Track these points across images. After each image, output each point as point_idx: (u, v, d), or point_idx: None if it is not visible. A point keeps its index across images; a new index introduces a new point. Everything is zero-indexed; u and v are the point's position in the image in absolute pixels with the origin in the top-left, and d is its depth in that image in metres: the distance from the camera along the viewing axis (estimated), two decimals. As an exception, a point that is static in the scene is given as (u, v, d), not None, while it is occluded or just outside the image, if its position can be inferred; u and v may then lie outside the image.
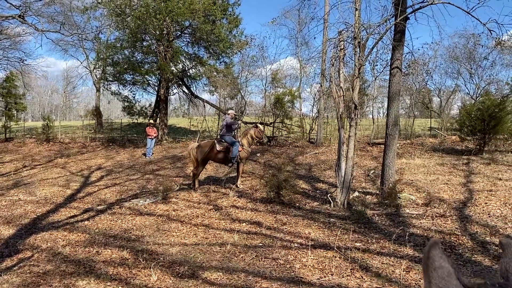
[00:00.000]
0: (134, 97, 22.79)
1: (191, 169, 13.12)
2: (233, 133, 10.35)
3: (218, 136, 10.80)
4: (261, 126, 11.14)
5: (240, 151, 9.93)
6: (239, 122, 10.57)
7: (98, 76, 28.64)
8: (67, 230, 6.87)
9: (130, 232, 6.67)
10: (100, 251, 5.72)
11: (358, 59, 7.89)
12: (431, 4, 7.69)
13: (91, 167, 14.26)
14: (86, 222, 7.41)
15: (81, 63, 32.84)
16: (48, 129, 21.01)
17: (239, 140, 10.15)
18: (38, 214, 8.03)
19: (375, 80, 17.54)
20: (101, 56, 20.62)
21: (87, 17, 23.34)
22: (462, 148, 13.80)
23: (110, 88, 22.89)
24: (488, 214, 6.67)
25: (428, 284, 0.65)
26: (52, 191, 10.25)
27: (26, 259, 5.47)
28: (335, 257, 5.06)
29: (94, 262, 5.22)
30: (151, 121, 19.22)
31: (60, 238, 6.45)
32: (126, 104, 22.43)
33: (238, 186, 10.04)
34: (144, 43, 20.33)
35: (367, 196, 8.66)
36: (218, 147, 9.85)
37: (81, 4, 22.30)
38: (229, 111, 10.92)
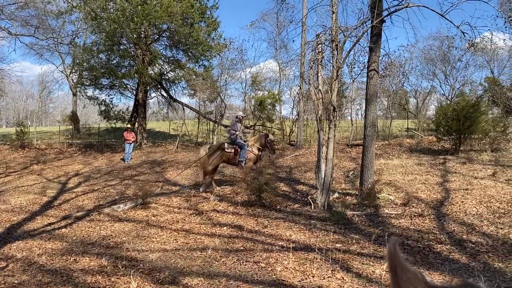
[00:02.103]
0: (111, 101, 22.46)
1: (170, 173, 13.04)
2: (241, 136, 10.38)
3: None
4: (271, 137, 10.95)
5: (249, 153, 10.11)
6: (236, 131, 10.33)
7: (74, 81, 28.14)
8: (43, 239, 6.70)
9: (109, 239, 6.55)
10: (78, 259, 5.60)
11: (336, 62, 7.97)
12: (406, 7, 7.83)
13: (68, 173, 13.98)
14: (63, 230, 7.25)
15: (57, 67, 32.23)
16: (23, 135, 20.52)
17: (248, 144, 10.30)
18: (13, 223, 7.81)
19: (353, 82, 17.72)
20: (77, 61, 20.26)
21: (62, 21, 22.96)
22: (438, 148, 14.07)
23: (86, 93, 22.42)
24: (465, 212, 6.81)
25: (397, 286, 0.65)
26: (28, 199, 9.99)
27: (0, 270, 5.31)
28: (316, 258, 5.08)
29: (72, 271, 5.10)
30: (129, 125, 18.98)
31: (36, 247, 6.29)
32: (103, 108, 22.07)
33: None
34: (121, 47, 20.05)
35: (347, 197, 8.74)
36: (227, 149, 10.11)
37: (56, 7, 21.87)
38: (238, 113, 11.07)
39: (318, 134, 8.58)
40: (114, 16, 17.32)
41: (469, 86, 26.66)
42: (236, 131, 10.26)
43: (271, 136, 10.75)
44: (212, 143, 20.16)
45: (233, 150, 10.11)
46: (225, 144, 10.29)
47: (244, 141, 10.30)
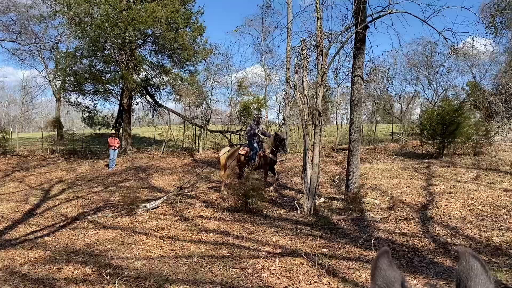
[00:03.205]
0: (95, 107, 22.19)
1: (155, 180, 12.94)
2: (255, 138, 10.28)
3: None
4: (281, 134, 10.71)
5: (261, 156, 10.04)
6: (255, 129, 10.21)
7: (58, 86, 27.78)
8: (25, 248, 6.57)
9: (93, 247, 6.46)
10: (61, 267, 5.49)
11: (321, 67, 8.02)
12: (390, 13, 7.93)
13: (51, 181, 13.76)
14: (46, 238, 7.12)
15: (40, 72, 31.80)
16: (5, 142, 20.16)
17: (263, 146, 10.24)
18: (-7, 232, 7.65)
19: (338, 87, 17.93)
20: (60, 66, 19.99)
21: (45, 26, 22.70)
22: (423, 152, 14.25)
23: (69, 100, 22.09)
24: (449, 215, 6.89)
25: None
26: (10, 207, 9.79)
27: (-19, 280, 5.18)
28: (303, 264, 5.08)
29: (55, 280, 5.01)
30: (114, 131, 18.81)
31: (18, 256, 6.15)
32: (86, 114, 21.78)
33: (268, 189, 10.10)
34: (105, 52, 19.87)
35: (333, 202, 8.76)
36: (241, 151, 10.19)
37: (39, 12, 21.62)
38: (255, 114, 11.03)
39: (304, 139, 8.61)
40: (98, 21, 17.18)
41: (452, 91, 27.15)
42: (252, 131, 10.25)
43: (281, 134, 10.56)
44: (198, 148, 20.11)
45: (245, 153, 10.13)
46: (242, 146, 10.44)
47: (261, 141, 10.27)
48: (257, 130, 10.25)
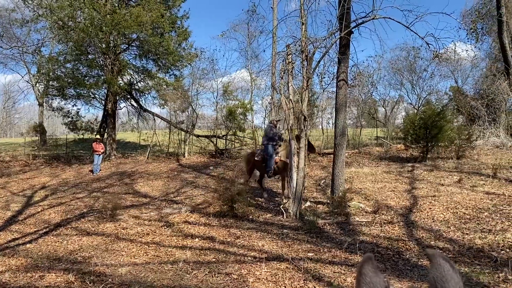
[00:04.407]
0: (78, 112, 21.90)
1: (140, 185, 12.82)
2: (274, 143, 9.57)
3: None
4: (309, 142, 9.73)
5: (277, 162, 9.48)
6: (279, 131, 9.77)
7: (41, 91, 27.39)
8: (6, 255, 6.42)
9: (76, 254, 6.35)
10: (43, 275, 5.38)
11: (306, 72, 8.07)
12: (373, 19, 8.02)
13: (34, 186, 13.52)
14: (28, 245, 6.97)
15: (22, 77, 31.35)
16: (-14, 147, 19.77)
17: (278, 151, 9.60)
18: (-27, 240, 7.47)
19: (323, 92, 18.09)
20: (43, 71, 19.71)
21: (28, 30, 22.38)
22: (407, 156, 14.42)
23: (51, 104, 21.75)
24: (432, 219, 6.97)
25: None
26: (-10, 214, 9.59)
27: (-41, 290, 5.05)
28: (288, 268, 5.07)
29: (37, 288, 4.91)
30: (98, 136, 18.61)
31: (-2, 264, 6.02)
32: (68, 120, 21.48)
33: (284, 197, 9.30)
34: (90, 56, 19.65)
35: (319, 206, 8.80)
36: (256, 156, 9.89)
37: (21, 16, 21.31)
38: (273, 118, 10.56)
39: (289, 144, 8.63)
40: (82, 26, 17.00)
41: (435, 95, 27.61)
42: (274, 135, 9.54)
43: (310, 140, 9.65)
44: (184, 153, 20.01)
45: (260, 158, 9.80)
46: (258, 151, 10.16)
47: (276, 150, 9.59)
48: (279, 131, 9.68)
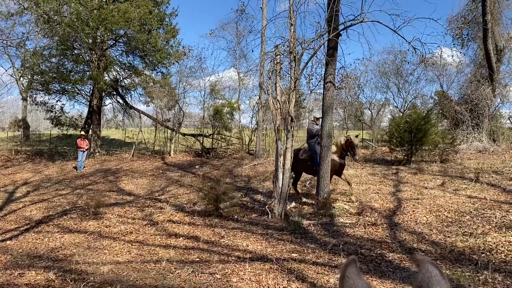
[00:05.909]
0: (62, 108, 21.57)
1: (125, 183, 12.71)
2: (316, 139, 9.25)
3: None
4: (354, 139, 9.08)
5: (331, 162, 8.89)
6: (316, 126, 9.35)
7: (24, 85, 26.90)
8: (-15, 252, 6.30)
9: (58, 251, 6.25)
10: (23, 273, 5.28)
11: (294, 73, 8.08)
12: (361, 22, 8.07)
13: (16, 182, 13.29)
14: (8, 242, 6.84)
15: (6, 70, 30.76)
16: (-34, 142, 19.36)
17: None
18: (-49, 235, 7.30)
19: (310, 93, 18.11)
20: (27, 65, 19.36)
21: (12, 23, 21.92)
22: (391, 158, 14.56)
23: (34, 99, 21.40)
24: (415, 221, 7.04)
25: None
26: (-31, 209, 9.38)
27: None
28: (272, 269, 5.07)
29: (16, 286, 4.80)
30: (83, 132, 18.38)
31: (-24, 261, 5.89)
32: (51, 114, 21.14)
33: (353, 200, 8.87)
34: (75, 52, 19.37)
35: (304, 207, 8.82)
36: (301, 155, 9.45)
37: (6, 9, 20.89)
38: (315, 114, 9.95)
39: (276, 144, 8.64)
40: (68, 20, 16.75)
41: (420, 99, 27.94)
42: (318, 132, 9.20)
43: (354, 139, 9.06)
44: (170, 152, 19.88)
45: (306, 157, 9.44)
46: (301, 150, 9.66)
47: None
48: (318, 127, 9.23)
